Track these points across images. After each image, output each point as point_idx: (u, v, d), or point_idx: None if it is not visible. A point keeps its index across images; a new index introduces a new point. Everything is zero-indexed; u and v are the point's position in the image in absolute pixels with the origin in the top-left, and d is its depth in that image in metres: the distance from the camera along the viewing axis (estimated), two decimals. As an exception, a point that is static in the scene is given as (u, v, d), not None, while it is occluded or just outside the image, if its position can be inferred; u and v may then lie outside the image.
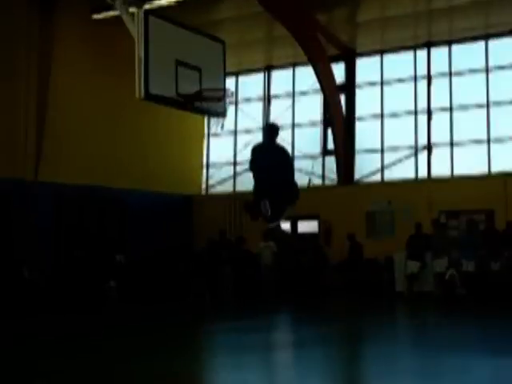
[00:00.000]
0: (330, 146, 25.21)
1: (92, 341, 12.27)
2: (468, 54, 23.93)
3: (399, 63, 24.95)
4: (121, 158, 23.63)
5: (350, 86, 25.41)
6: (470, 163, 22.89)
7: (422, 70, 24.48)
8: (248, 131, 26.96)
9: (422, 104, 24.26)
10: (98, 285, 21.80)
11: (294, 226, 25.36)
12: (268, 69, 27.25)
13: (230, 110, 25.75)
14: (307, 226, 24.96)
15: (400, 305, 20.25)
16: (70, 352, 11.00)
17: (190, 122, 25.15)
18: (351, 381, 8.71)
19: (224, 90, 14.56)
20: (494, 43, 23.42)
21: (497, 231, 20.08)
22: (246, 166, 26.34)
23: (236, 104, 26.18)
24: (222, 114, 14.78)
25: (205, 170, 27.72)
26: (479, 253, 20.06)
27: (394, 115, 24.71)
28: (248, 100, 27.31)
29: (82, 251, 22.05)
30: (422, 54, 24.58)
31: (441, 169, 23.54)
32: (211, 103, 14.19)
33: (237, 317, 17.30)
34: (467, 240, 19.98)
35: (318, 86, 24.74)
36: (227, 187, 27.20)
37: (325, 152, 25.44)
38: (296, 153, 26.02)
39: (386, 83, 24.96)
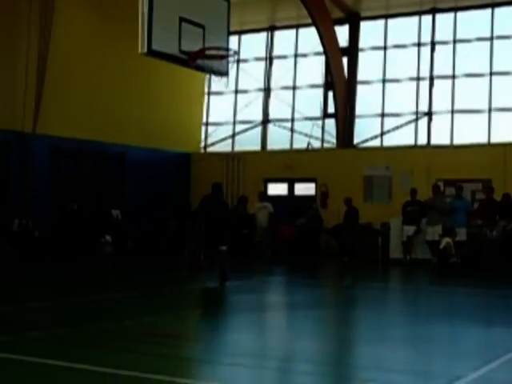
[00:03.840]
0: (331, 109, 25.11)
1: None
2: (473, 22, 23.73)
3: (403, 29, 24.77)
4: (120, 114, 23.51)
5: (352, 50, 25.23)
6: (470, 132, 22.82)
7: (425, 37, 24.29)
8: (248, 91, 26.82)
9: (425, 71, 24.12)
10: (94, 239, 21.86)
11: (291, 188, 25.37)
12: (271, 29, 27.02)
13: (232, 69, 25.70)
14: (304, 189, 24.95)
15: (394, 271, 20.34)
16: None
17: (190, 79, 24.99)
18: (342, 345, 8.78)
19: (227, 48, 14.48)
20: (499, 12, 23.21)
21: (494, 201, 20.09)
22: (246, 125, 26.47)
23: (238, 63, 26.01)
24: (225, 72, 14.72)
25: (204, 128, 27.61)
26: (475, 222, 20.11)
27: (396, 81, 24.57)
28: (250, 60, 27.10)
29: (79, 205, 22.06)
30: (426, 20, 24.37)
31: (440, 137, 23.47)
32: (214, 61, 14.13)
33: (232, 277, 17.33)
34: (457, 206, 20.02)
35: (320, 48, 24.57)
36: (226, 146, 27.14)
37: (325, 115, 25.34)
38: (296, 115, 25.94)
39: (389, 48, 24.79)
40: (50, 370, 6.69)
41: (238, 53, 17.11)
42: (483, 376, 6.76)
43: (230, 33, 15.06)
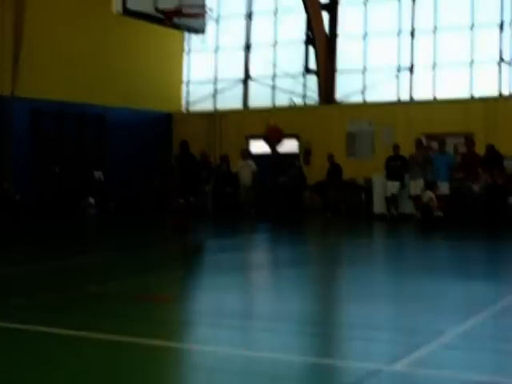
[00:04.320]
0: (312, 65, 24.96)
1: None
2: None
3: (384, -18, 24.51)
4: (100, 75, 23.27)
5: (333, 5, 24.99)
6: (452, 86, 22.76)
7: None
8: (229, 49, 26.57)
9: (407, 25, 23.94)
10: (76, 201, 21.78)
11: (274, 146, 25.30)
12: (251, -15, 26.71)
13: (211, 26, 25.43)
14: (287, 146, 24.89)
15: (377, 226, 20.42)
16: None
17: (169, 38, 24.76)
18: (326, 303, 8.81)
19: (203, 6, 14.32)
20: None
21: (476, 154, 20.12)
22: (227, 83, 26.28)
23: (217, 21, 25.72)
24: (202, 30, 14.57)
25: (185, 88, 27.39)
26: (457, 175, 20.15)
27: (378, 35, 24.38)
28: (230, 17, 26.77)
29: (60, 167, 21.93)
30: (407, -27, 24.14)
31: (422, 91, 23.39)
32: (190, 19, 13.97)
33: (216, 235, 17.39)
34: (440, 160, 20.07)
35: (301, 4, 24.32)
36: (208, 105, 26.97)
37: (306, 71, 25.20)
38: (277, 72, 25.76)
39: (369, 2, 24.54)
40: (33, 337, 6.66)
41: (217, 10, 17.03)
42: (465, 331, 6.81)
43: (207, -10, 14.89)
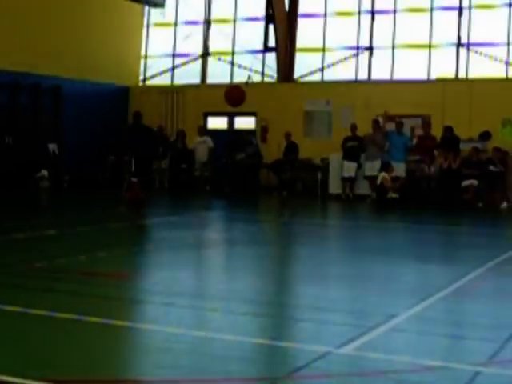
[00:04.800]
0: (272, 42, 24.81)
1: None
2: None
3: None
4: (56, 46, 22.83)
5: (294, -18, 24.84)
6: (410, 68, 22.82)
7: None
8: (188, 23, 26.27)
9: (367, 5, 23.89)
10: (30, 173, 21.45)
11: (231, 122, 25.18)
12: (211, -41, 26.40)
13: (171, 0, 25.14)
14: (244, 123, 24.78)
15: (333, 206, 20.45)
16: None
17: (129, 11, 24.41)
18: (278, 283, 8.76)
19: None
20: None
21: (432, 137, 20.21)
22: (185, 58, 26.01)
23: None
24: (161, 4, 14.35)
25: (143, 62, 27.05)
26: (413, 157, 20.24)
27: (337, 15, 24.29)
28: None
29: (14, 138, 21.54)
30: None
31: (381, 72, 23.41)
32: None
33: (170, 212, 17.26)
34: (397, 141, 20.14)
35: (262, -21, 24.15)
36: (165, 80, 26.69)
37: (265, 49, 25.03)
38: (236, 48, 25.57)
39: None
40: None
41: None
42: (417, 314, 6.80)
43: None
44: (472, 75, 22.33)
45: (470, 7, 22.52)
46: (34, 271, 8.56)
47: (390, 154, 19.95)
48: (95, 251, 10.12)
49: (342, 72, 23.91)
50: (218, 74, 25.63)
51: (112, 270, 8.93)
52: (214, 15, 26.16)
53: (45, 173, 21.75)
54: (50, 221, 14.75)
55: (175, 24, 26.39)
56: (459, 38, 22.51)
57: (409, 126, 21.34)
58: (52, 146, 22.60)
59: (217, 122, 25.16)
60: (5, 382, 4.60)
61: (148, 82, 27.03)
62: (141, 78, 27.02)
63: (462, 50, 22.54)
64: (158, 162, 22.95)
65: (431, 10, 22.83)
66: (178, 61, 26.51)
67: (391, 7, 23.41)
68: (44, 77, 22.34)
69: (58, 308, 6.56)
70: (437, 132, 20.17)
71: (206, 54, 26.10)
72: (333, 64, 24.15)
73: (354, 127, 21.08)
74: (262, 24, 25.06)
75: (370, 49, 23.69)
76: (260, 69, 25.25)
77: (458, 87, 21.85)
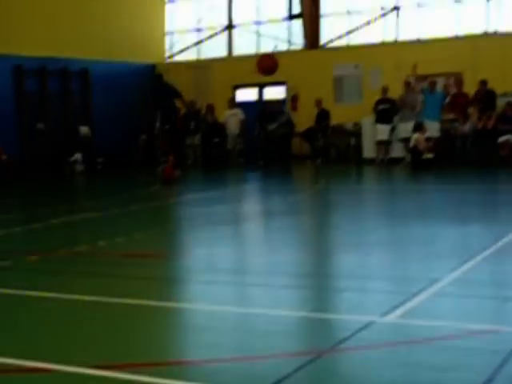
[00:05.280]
0: (296, 9, 24.54)
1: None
2: None
3: None
4: (81, 29, 22.83)
5: None
6: (439, 25, 22.41)
7: None
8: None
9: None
10: (63, 158, 21.56)
11: (261, 93, 25.02)
12: None
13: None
14: (274, 93, 24.61)
15: (368, 171, 20.28)
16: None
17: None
18: (318, 254, 8.69)
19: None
20: None
21: (465, 94, 19.91)
22: (211, 31, 25.87)
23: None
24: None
25: (168, 38, 26.94)
26: (447, 116, 19.98)
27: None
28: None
29: (46, 124, 21.64)
30: None
31: (408, 32, 23.04)
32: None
33: (205, 188, 17.23)
34: (430, 100, 19.88)
35: None
36: (192, 55, 26.59)
37: (291, 16, 24.78)
38: (261, 18, 25.32)
39: None
40: (21, 301, 6.53)
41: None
42: (460, 277, 6.69)
43: None
44: (503, 29, 21.86)
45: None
46: (73, 256, 8.58)
47: (424, 112, 19.72)
48: (133, 232, 10.12)
49: (369, 34, 23.57)
50: (245, 45, 25.44)
51: (151, 250, 8.92)
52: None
53: (78, 156, 21.86)
54: (86, 204, 14.82)
55: (198, -3, 26.19)
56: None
57: (441, 85, 21.00)
58: (83, 129, 22.67)
59: (246, 94, 25.01)
60: (48, 370, 4.61)
61: (174, 58, 26.94)
62: (167, 54, 26.93)
63: (491, 4, 22.05)
64: (191, 137, 23.02)
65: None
66: (204, 34, 26.35)
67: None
68: (71, 60, 22.39)
69: (98, 292, 6.56)
70: (470, 89, 19.86)
71: (230, 26, 25.92)
72: (359, 27, 23.82)
73: (385, 89, 20.84)
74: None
75: (397, 8, 23.32)
76: (286, 37, 25.01)
77: (489, 42, 21.42)
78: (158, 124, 17.80)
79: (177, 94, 17.75)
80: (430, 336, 5.04)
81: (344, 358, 4.81)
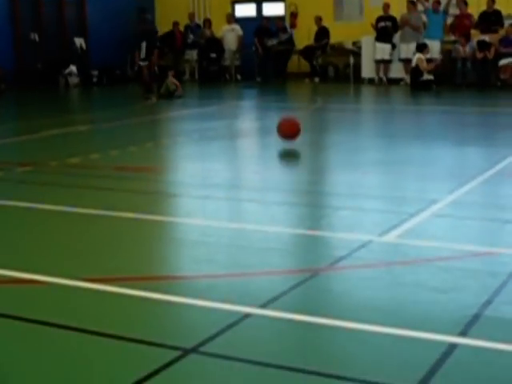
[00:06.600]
0: None
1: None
2: None
3: None
4: None
5: None
6: None
7: None
8: None
9: None
10: (58, 70, 21.20)
11: (259, 9, 24.50)
12: None
13: None
14: (273, 9, 24.10)
15: (366, 91, 19.99)
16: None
17: None
18: (314, 172, 8.57)
19: None
20: None
21: (469, 15, 19.50)
22: None
23: None
24: None
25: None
26: (448, 38, 19.63)
27: None
28: None
29: (39, 34, 21.19)
30: None
31: None
32: None
33: (201, 103, 17.02)
34: (434, 19, 19.51)
35: None
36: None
37: None
38: None
39: None
40: (11, 212, 6.44)
41: None
42: (458, 198, 6.60)
43: None
44: None
45: None
46: (66, 168, 8.44)
47: (426, 32, 19.36)
48: (128, 145, 9.97)
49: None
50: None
51: (145, 164, 8.79)
52: None
53: (73, 68, 21.47)
54: (81, 116, 14.63)
55: None
56: None
57: (444, 4, 20.54)
58: (79, 41, 22.23)
59: (245, 10, 24.49)
60: (39, 281, 4.54)
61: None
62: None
63: None
64: (189, 51, 22.65)
65: None
66: None
67: None
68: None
69: (89, 205, 6.46)
70: (473, 10, 19.44)
71: None
72: None
73: (386, 6, 20.34)
74: None
75: None
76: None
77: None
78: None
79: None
80: (428, 257, 4.98)
81: (341, 276, 4.74)
